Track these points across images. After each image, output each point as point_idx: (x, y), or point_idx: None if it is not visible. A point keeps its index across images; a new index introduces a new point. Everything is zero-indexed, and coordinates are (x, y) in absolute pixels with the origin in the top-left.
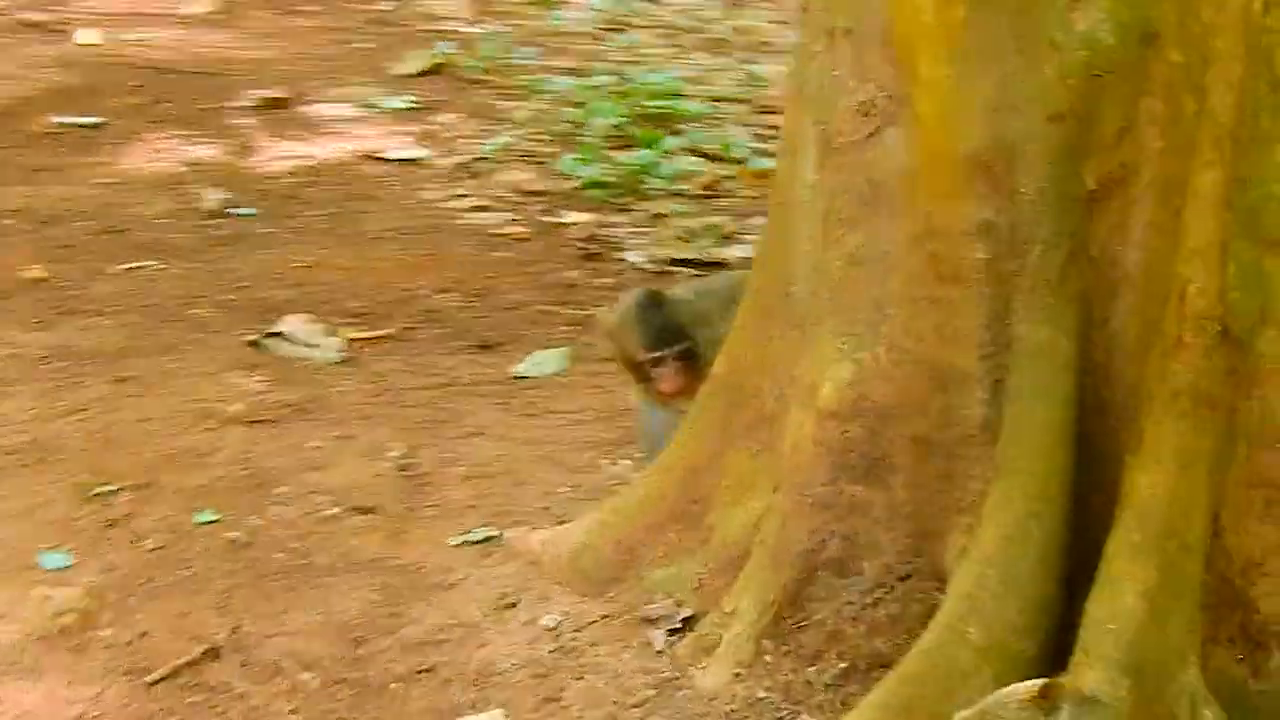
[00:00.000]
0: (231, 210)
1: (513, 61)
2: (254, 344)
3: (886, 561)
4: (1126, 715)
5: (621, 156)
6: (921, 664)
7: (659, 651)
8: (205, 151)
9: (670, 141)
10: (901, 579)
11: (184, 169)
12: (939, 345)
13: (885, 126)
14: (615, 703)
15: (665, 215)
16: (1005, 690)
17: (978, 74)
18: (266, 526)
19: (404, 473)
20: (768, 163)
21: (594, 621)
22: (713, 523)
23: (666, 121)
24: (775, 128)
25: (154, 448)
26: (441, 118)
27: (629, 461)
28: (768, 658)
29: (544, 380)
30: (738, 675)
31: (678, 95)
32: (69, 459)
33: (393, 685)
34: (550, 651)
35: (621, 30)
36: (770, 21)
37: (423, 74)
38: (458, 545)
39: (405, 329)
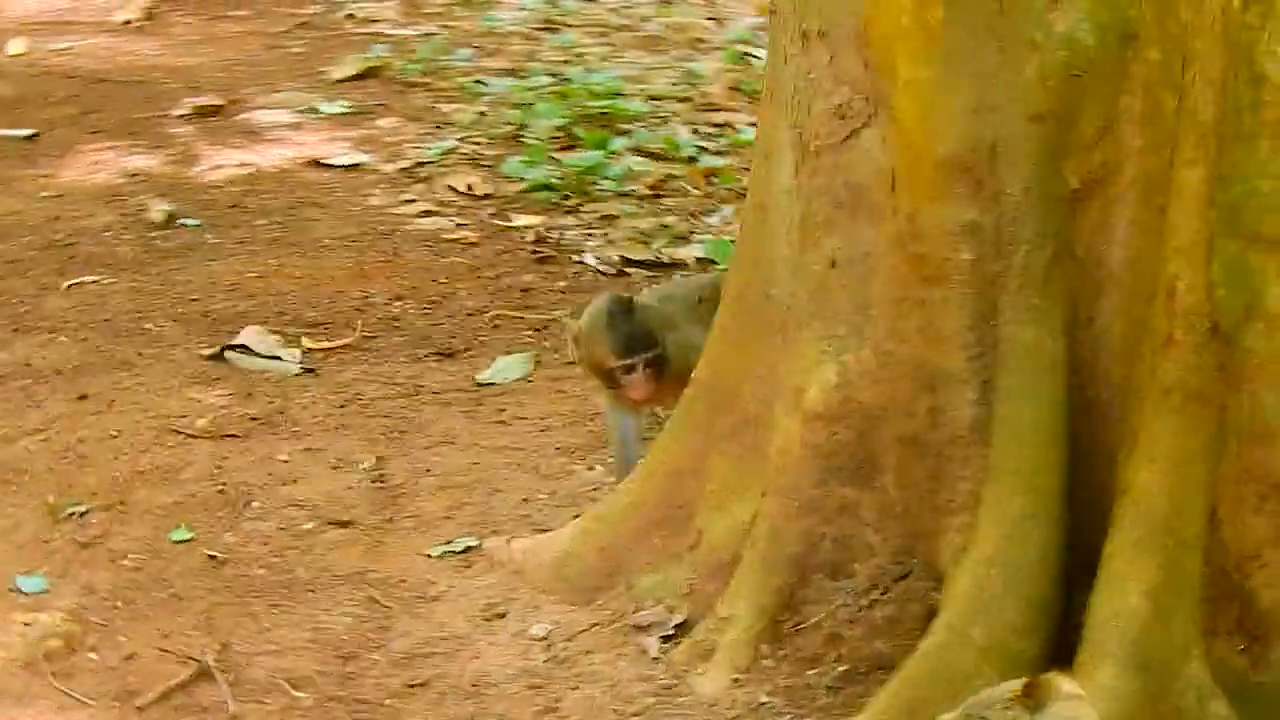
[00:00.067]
0: (179, 221)
1: (448, 64)
2: (213, 357)
3: (880, 563)
4: (1135, 712)
5: (567, 158)
6: (924, 666)
7: (654, 658)
8: (145, 162)
9: (617, 142)
10: (896, 580)
11: (125, 180)
12: (925, 346)
13: (862, 129)
14: (615, 711)
15: (616, 216)
16: (990, 690)
17: (958, 75)
18: (243, 543)
19: (377, 484)
20: (716, 161)
21: (584, 630)
22: (700, 527)
23: (609, 121)
24: (718, 125)
25: (122, 465)
26: (381, 122)
27: (601, 467)
28: (766, 662)
29: (509, 386)
30: (737, 680)
31: (618, 95)
32: (36, 479)
33: (387, 701)
34: (543, 661)
35: (555, 30)
36: (704, 18)
37: (358, 78)
38: (439, 556)
39: (365, 338)
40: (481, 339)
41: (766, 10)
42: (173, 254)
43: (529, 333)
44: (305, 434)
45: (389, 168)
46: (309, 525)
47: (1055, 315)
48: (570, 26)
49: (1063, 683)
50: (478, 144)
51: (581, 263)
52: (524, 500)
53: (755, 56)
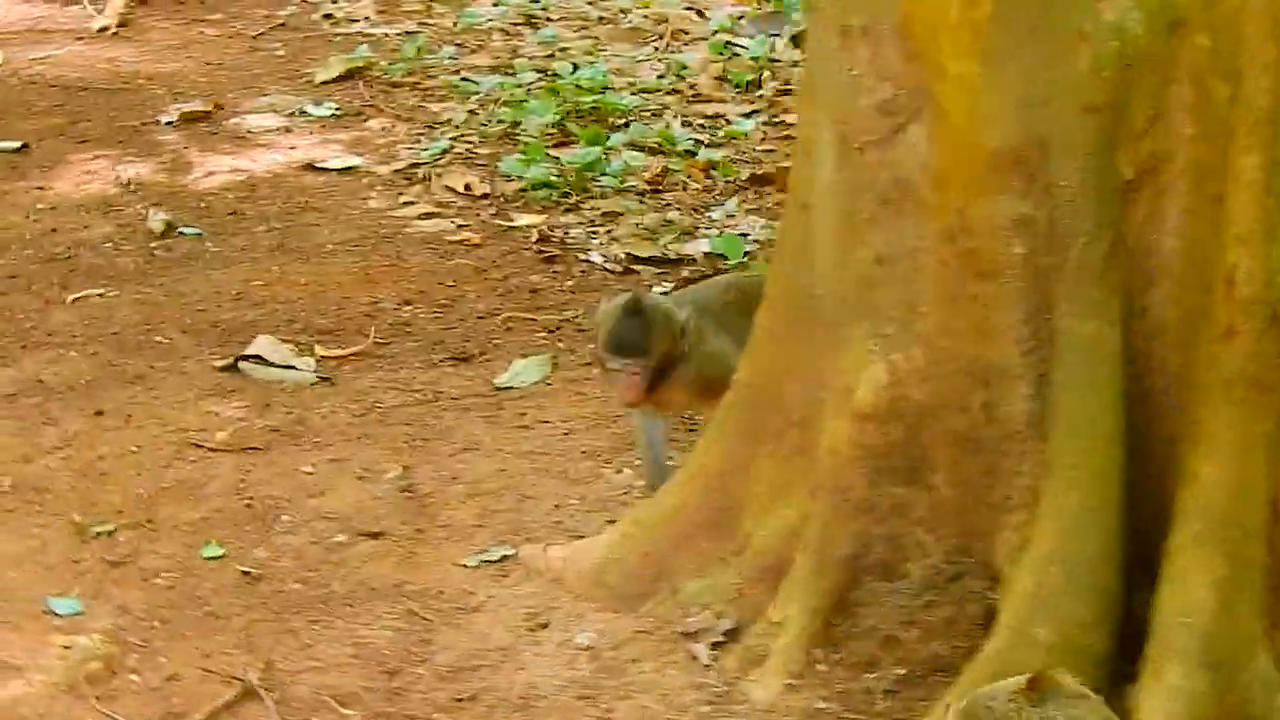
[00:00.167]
0: (179, 230)
1: (432, 62)
2: (227, 369)
3: (933, 563)
4: (1204, 709)
5: (564, 155)
6: (989, 668)
7: (705, 665)
8: (137, 171)
9: (612, 138)
10: (951, 580)
11: (119, 190)
12: (977, 342)
13: (907, 124)
14: None
15: (618, 213)
16: (997, 684)
17: (1006, 69)
18: (276, 558)
19: (405, 494)
20: (713, 154)
21: (630, 638)
22: (746, 530)
23: (601, 116)
24: (710, 117)
25: (145, 482)
26: (371, 124)
27: (629, 470)
28: (820, 666)
29: (527, 390)
30: (791, 686)
31: (607, 89)
32: (59, 498)
33: (436, 716)
34: (591, 671)
35: (535, 25)
36: (684, 8)
37: (342, 79)
38: (475, 566)
39: (378, 344)
40: (495, 342)
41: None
42: (175, 264)
43: (542, 335)
44: (328, 444)
45: (384, 170)
46: (340, 538)
47: (1112, 307)
48: (550, 21)
49: (1066, 679)
50: (471, 143)
51: (588, 261)
52: (555, 506)
53: (739, 46)
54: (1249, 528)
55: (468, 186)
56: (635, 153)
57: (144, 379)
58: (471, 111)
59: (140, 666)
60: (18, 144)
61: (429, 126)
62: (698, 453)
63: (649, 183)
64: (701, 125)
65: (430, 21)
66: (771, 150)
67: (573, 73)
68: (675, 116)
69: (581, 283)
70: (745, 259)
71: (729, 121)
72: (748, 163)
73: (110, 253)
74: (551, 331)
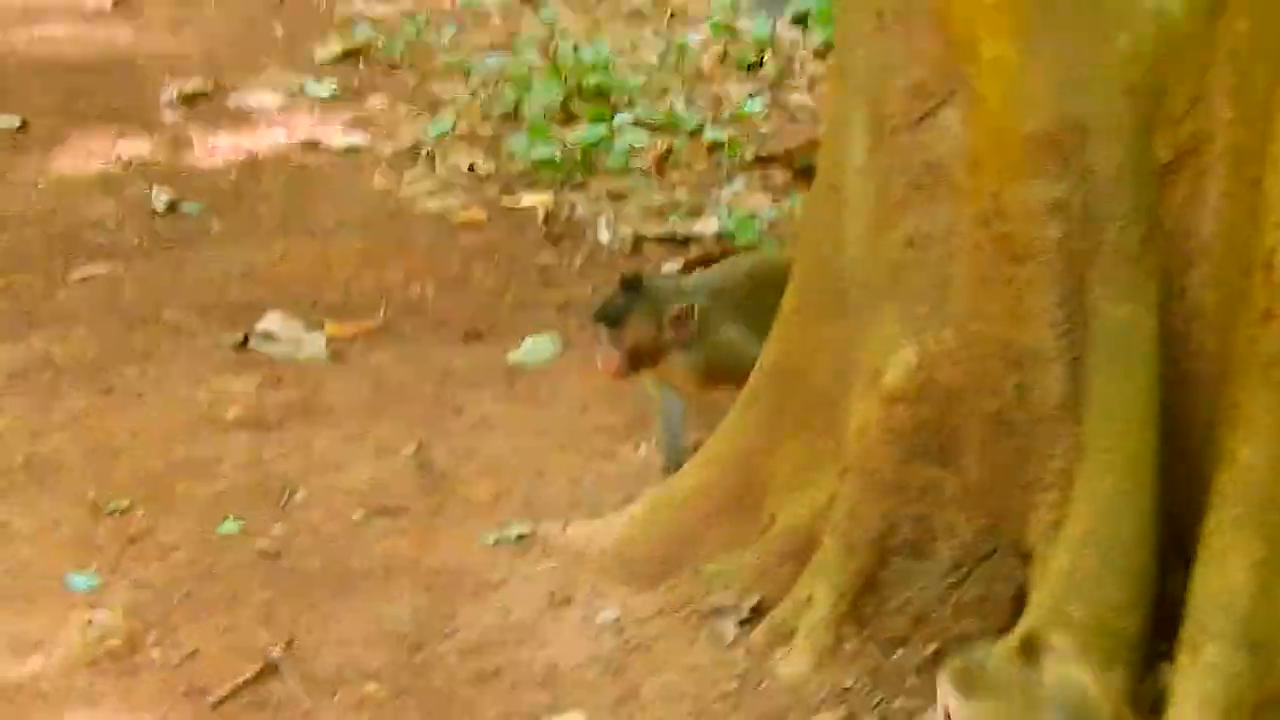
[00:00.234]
0: (181, 208)
1: (432, 42)
2: (238, 345)
3: (963, 542)
4: (1243, 691)
5: (569, 134)
6: None
7: (731, 643)
8: (138, 149)
9: (617, 117)
10: (981, 560)
11: (120, 168)
12: (1010, 324)
13: (940, 107)
14: (696, 698)
15: (624, 192)
16: (988, 645)
17: (1044, 51)
18: (293, 534)
19: (422, 470)
20: (718, 134)
21: (654, 615)
22: (772, 510)
23: (605, 96)
24: (713, 97)
25: (158, 459)
26: (372, 103)
27: (645, 446)
28: (849, 644)
29: (541, 367)
30: (820, 664)
31: (609, 69)
32: (72, 475)
33: (462, 691)
34: (615, 648)
35: (535, 5)
36: None
37: (343, 58)
38: (494, 543)
39: (389, 321)
40: (506, 320)
41: None
42: (179, 242)
43: (552, 312)
44: (341, 421)
45: (386, 149)
46: (357, 515)
47: (1148, 290)
48: (549, 1)
49: (1057, 640)
50: (475, 123)
51: (595, 240)
52: (571, 483)
53: (741, 27)
54: None
55: (472, 166)
56: (640, 132)
57: (153, 356)
58: (473, 91)
59: (160, 642)
60: (17, 122)
61: (431, 106)
62: (722, 432)
63: (655, 162)
64: (704, 105)
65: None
66: (777, 130)
67: (574, 53)
68: (679, 96)
69: (589, 262)
70: (756, 239)
71: (733, 102)
72: (753, 142)
73: (113, 231)
74: (561, 310)
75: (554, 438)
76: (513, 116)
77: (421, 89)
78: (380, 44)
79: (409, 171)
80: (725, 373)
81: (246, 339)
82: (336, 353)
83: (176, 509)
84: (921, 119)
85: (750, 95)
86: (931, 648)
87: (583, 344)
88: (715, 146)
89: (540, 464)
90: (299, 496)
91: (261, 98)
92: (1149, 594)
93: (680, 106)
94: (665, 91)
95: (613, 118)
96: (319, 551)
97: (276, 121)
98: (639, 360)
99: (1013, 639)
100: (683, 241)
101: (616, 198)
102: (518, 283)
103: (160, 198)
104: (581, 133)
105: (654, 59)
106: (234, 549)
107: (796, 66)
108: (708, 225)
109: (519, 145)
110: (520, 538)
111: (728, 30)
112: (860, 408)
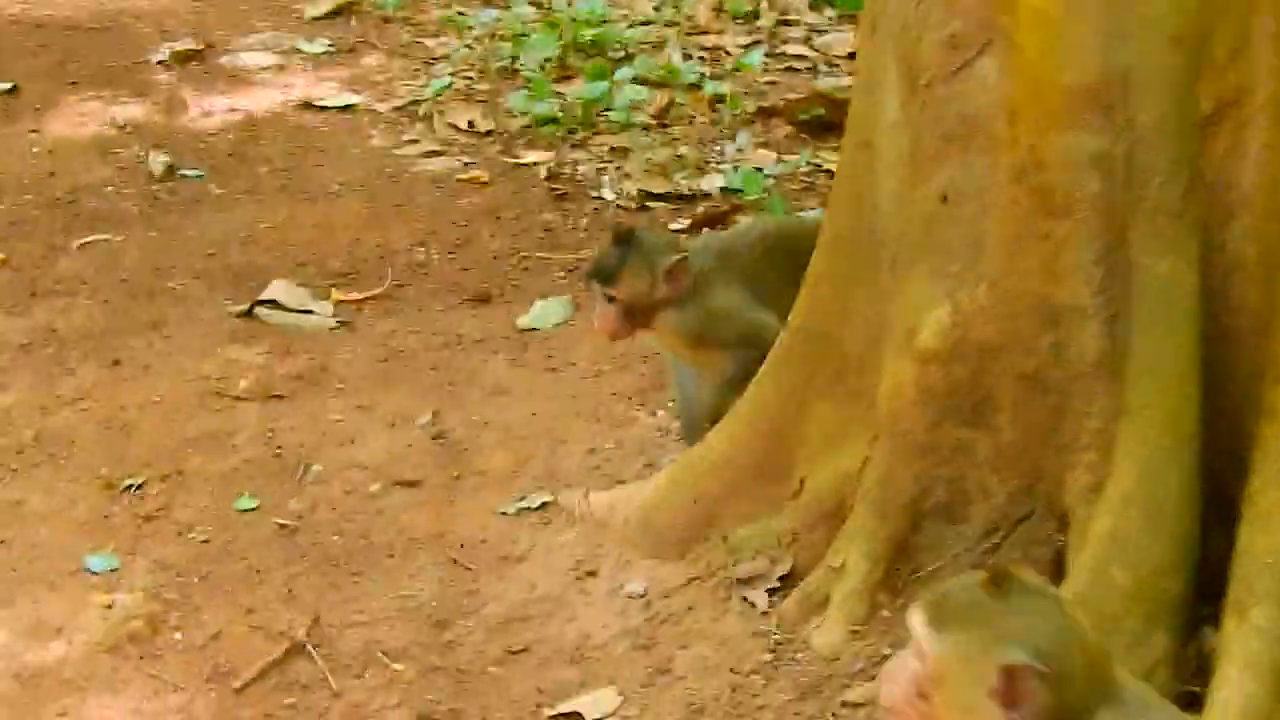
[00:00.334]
0: (180, 172)
1: None
2: (244, 314)
3: (997, 504)
4: None
5: (569, 90)
6: None
7: (763, 613)
8: (133, 112)
9: (618, 73)
10: (1017, 523)
11: (116, 132)
12: (1046, 281)
13: (976, 58)
14: (732, 670)
15: (627, 149)
16: (957, 578)
17: (1086, 2)
18: (311, 509)
19: (437, 440)
20: (719, 86)
21: (682, 585)
22: (801, 475)
23: (601, 50)
24: (710, 49)
25: (170, 433)
26: (367, 60)
27: (664, 411)
28: (884, 612)
29: (551, 331)
30: (856, 632)
31: (605, 22)
32: (84, 452)
33: (491, 669)
34: (645, 620)
35: None
36: None
37: (333, 14)
38: (515, 514)
39: (395, 286)
40: (513, 282)
41: None
42: (178, 207)
43: (561, 274)
44: (353, 390)
45: (384, 107)
46: (375, 487)
47: (1190, 244)
48: None
49: (1027, 574)
50: (470, 79)
51: (600, 198)
52: (590, 451)
53: None
54: None
55: (471, 124)
56: (639, 87)
57: (159, 326)
58: (468, 46)
59: (183, 624)
60: (8, 85)
61: (426, 63)
62: (750, 397)
63: (655, 117)
64: (702, 57)
65: None
66: (775, 82)
67: (569, 6)
68: (676, 49)
69: (595, 220)
70: (763, 195)
71: (730, 54)
72: (753, 95)
73: (112, 196)
74: (570, 271)
75: (569, 404)
76: (509, 72)
77: (416, 45)
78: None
79: (407, 130)
80: (718, 335)
81: (252, 308)
82: (344, 320)
83: (191, 485)
84: (957, 71)
85: (746, 47)
86: None
87: (593, 307)
88: (716, 100)
89: (557, 432)
90: (314, 470)
91: (254, 57)
92: (1192, 555)
93: (678, 59)
94: (662, 44)
95: (612, 73)
96: (338, 526)
97: (270, 81)
98: (634, 317)
99: (981, 574)
100: (689, 198)
101: (619, 154)
102: (524, 244)
103: (158, 161)
104: (580, 88)
105: (649, 10)
106: (252, 526)
107: (794, 17)
108: (713, 181)
109: (518, 102)
110: (541, 507)
111: None
112: (892, 368)
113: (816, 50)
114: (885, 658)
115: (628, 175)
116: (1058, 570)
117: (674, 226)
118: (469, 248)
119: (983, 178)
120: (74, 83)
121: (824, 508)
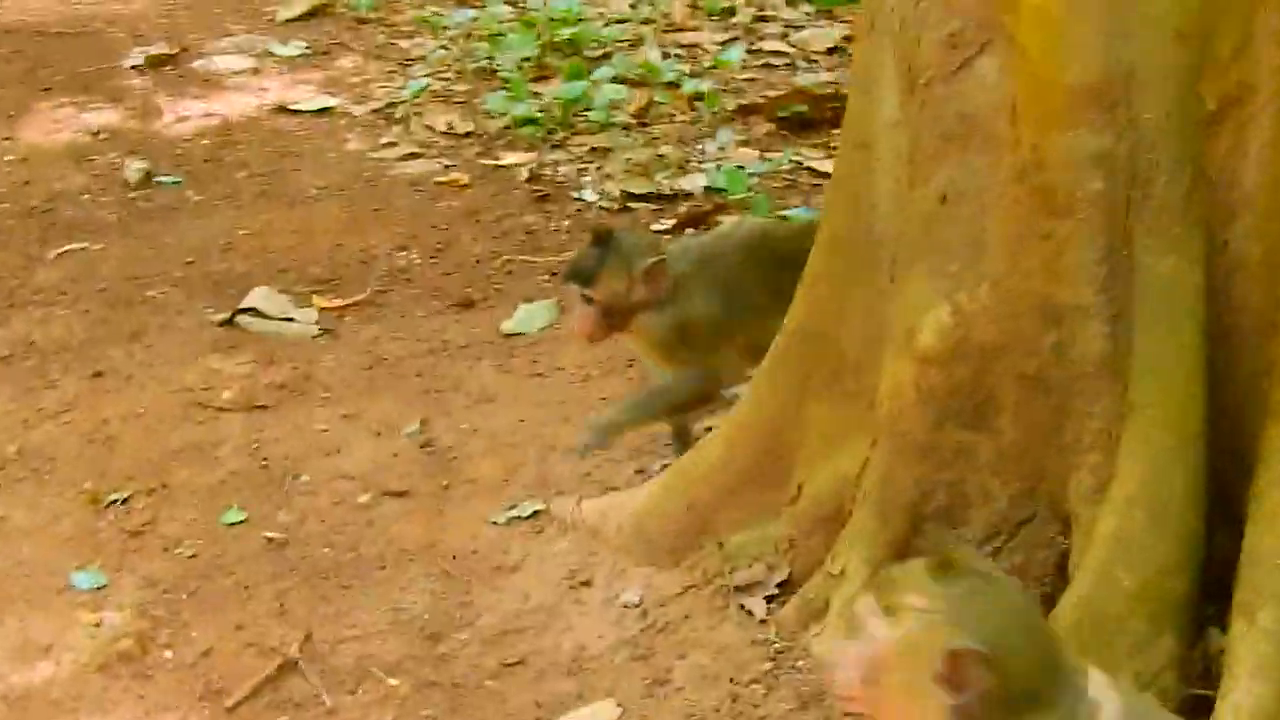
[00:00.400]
0: (156, 179)
1: None
2: (225, 323)
3: (999, 508)
4: None
5: (547, 90)
6: (1075, 614)
7: (761, 621)
8: (107, 118)
9: (600, 72)
10: (1019, 525)
11: (90, 138)
12: (1049, 280)
13: (976, 57)
14: (732, 680)
15: (608, 149)
16: (911, 561)
17: (1089, 1)
18: (300, 521)
19: (425, 449)
20: (698, 84)
21: (679, 593)
22: (799, 480)
23: (578, 49)
24: (687, 46)
25: (154, 445)
26: (342, 62)
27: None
28: None
29: (536, 336)
30: None
31: (582, 20)
32: (67, 466)
33: (487, 682)
34: (641, 630)
35: None
36: None
37: (307, 16)
38: (506, 523)
39: (377, 293)
40: (497, 286)
41: None
42: (156, 214)
43: (544, 277)
44: (338, 399)
45: (360, 110)
46: (364, 498)
47: (1194, 243)
48: None
49: (975, 559)
50: (447, 80)
51: (581, 200)
52: (580, 457)
53: None
54: None
55: (449, 125)
56: (618, 86)
57: (139, 336)
58: (444, 47)
59: (173, 642)
60: None
61: (402, 64)
62: (746, 401)
63: (635, 116)
64: (679, 55)
65: None
66: (754, 79)
67: (545, 5)
68: (653, 47)
69: (577, 222)
70: (748, 194)
71: (707, 51)
72: (731, 93)
73: (89, 204)
74: (553, 274)
75: (557, 410)
76: (486, 73)
77: (390, 46)
78: (345, 0)
79: (385, 133)
80: (693, 342)
81: (233, 316)
82: (327, 328)
83: (177, 498)
84: (956, 70)
85: (723, 44)
86: None
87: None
88: (695, 98)
89: (546, 438)
90: (302, 481)
91: (228, 60)
92: (1197, 555)
93: (656, 57)
94: (639, 42)
95: (590, 73)
96: (327, 539)
97: (245, 85)
98: (612, 319)
99: (929, 560)
100: (671, 198)
101: (600, 154)
102: (506, 247)
103: (134, 168)
104: (559, 88)
105: (625, 7)
106: (240, 539)
107: (770, 13)
108: (695, 181)
109: (496, 103)
110: (533, 516)
111: None
112: (892, 370)
113: (794, 46)
114: None
115: (609, 176)
116: (1061, 573)
117: (657, 227)
118: (450, 252)
119: (983, 177)
120: (47, 89)
121: (822, 512)
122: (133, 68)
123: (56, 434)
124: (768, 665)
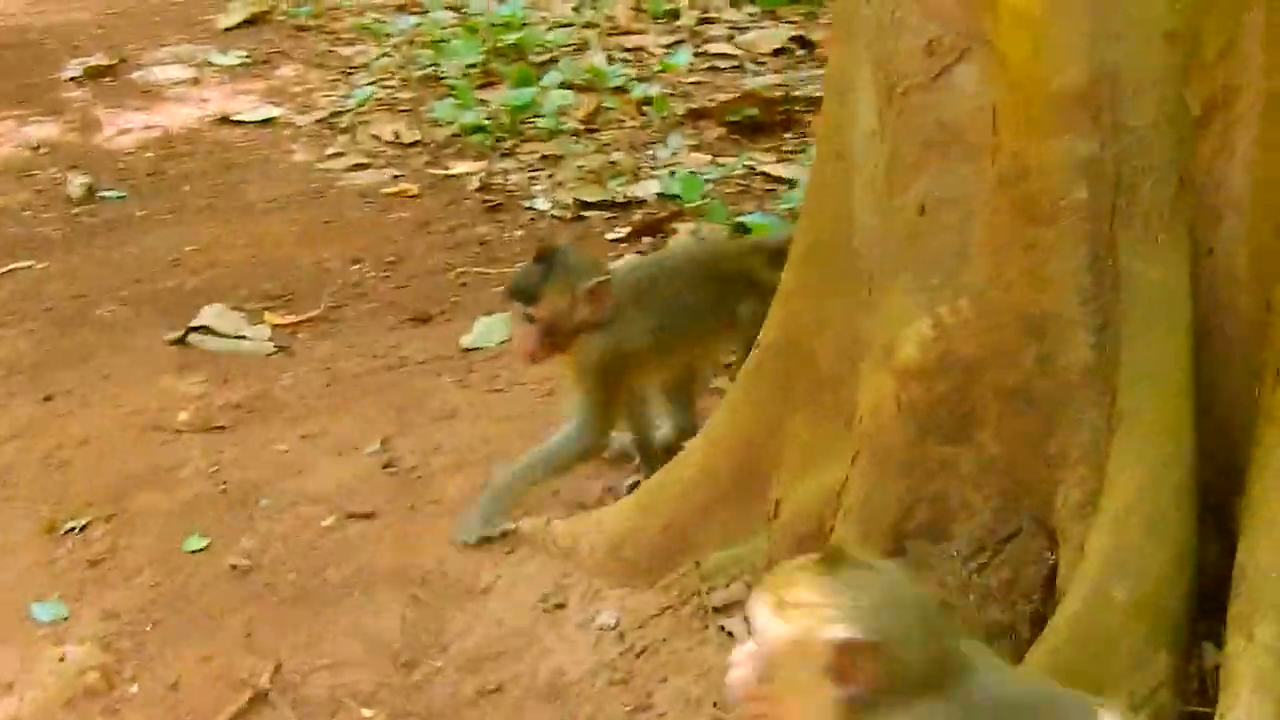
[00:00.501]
0: (98, 194)
1: (337, 3)
2: (177, 342)
3: (983, 523)
4: None
5: (494, 97)
6: (1067, 631)
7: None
8: (47, 131)
9: (548, 77)
10: (1004, 540)
11: (30, 153)
12: (1032, 291)
13: (955, 65)
14: (715, 704)
15: (558, 156)
16: (799, 559)
17: (1072, 4)
18: (263, 546)
19: (388, 469)
20: (646, 89)
21: (656, 615)
22: (777, 496)
23: (523, 54)
24: (632, 50)
25: (111, 470)
26: (283, 71)
27: (615, 431)
28: None
29: (495, 350)
30: None
31: (525, 25)
32: (22, 492)
33: (464, 711)
34: (620, 653)
35: None
36: None
37: (246, 24)
38: (475, 544)
39: (331, 308)
40: (453, 299)
41: None
42: (101, 231)
43: (499, 288)
44: (297, 419)
45: (304, 120)
46: (328, 521)
47: (1180, 248)
48: None
49: (862, 552)
50: (392, 88)
51: (533, 209)
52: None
53: None
54: None
55: (396, 135)
56: (566, 92)
57: (90, 358)
58: (387, 54)
59: (139, 675)
60: None
61: (344, 72)
62: (722, 417)
63: (583, 122)
64: (625, 59)
65: None
66: (701, 82)
67: (487, 10)
68: (598, 51)
69: (530, 231)
70: (703, 200)
71: (653, 55)
72: (680, 97)
73: (30, 221)
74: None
75: (520, 425)
76: (431, 80)
77: (332, 54)
78: (285, 8)
79: (330, 143)
80: (618, 372)
81: (185, 335)
82: (282, 345)
83: (136, 525)
84: (935, 77)
85: (669, 47)
86: None
87: None
88: (644, 103)
89: (512, 455)
90: (264, 504)
91: (167, 71)
92: (1192, 567)
93: (601, 62)
94: (584, 46)
95: (538, 78)
96: (293, 564)
97: (186, 95)
98: (554, 339)
99: (813, 555)
100: (624, 205)
101: (550, 162)
102: (460, 258)
103: (77, 183)
104: (506, 94)
105: (568, 11)
106: (203, 567)
107: (715, 15)
108: (648, 188)
109: (444, 111)
110: (502, 536)
111: None
112: (872, 384)
113: (741, 48)
114: None
115: (561, 184)
116: (1050, 588)
117: (612, 235)
118: (403, 265)
119: (964, 186)
120: None
121: (802, 530)
122: (71, 79)
123: (9, 459)
124: None
